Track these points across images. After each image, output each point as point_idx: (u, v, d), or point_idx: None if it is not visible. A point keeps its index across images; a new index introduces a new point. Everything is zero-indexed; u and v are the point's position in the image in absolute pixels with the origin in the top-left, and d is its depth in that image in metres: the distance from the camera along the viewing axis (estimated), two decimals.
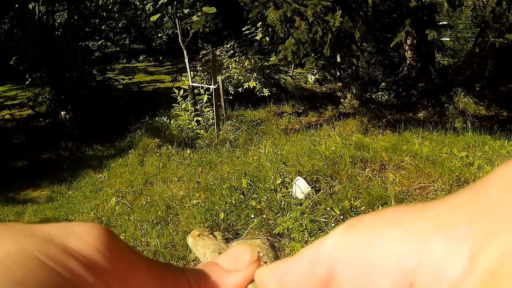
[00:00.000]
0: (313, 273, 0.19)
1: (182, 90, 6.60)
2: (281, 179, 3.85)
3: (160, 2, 5.94)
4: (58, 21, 10.33)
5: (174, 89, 6.73)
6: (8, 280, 0.15)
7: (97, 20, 15.33)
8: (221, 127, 6.32)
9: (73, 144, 8.04)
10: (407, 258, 0.16)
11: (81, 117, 8.98)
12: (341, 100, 7.85)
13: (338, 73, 8.90)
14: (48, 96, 9.80)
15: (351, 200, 3.43)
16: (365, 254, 0.17)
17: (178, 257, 3.38)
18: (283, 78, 9.53)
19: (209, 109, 6.63)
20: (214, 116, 6.23)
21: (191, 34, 6.74)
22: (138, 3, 6.77)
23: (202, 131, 6.36)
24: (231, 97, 7.79)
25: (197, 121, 6.54)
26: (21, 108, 10.24)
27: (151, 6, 6.11)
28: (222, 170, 4.71)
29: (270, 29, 6.96)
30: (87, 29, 14.45)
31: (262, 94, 7.77)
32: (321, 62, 7.96)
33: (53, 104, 9.40)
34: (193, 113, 6.60)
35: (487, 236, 0.15)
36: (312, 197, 3.58)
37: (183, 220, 3.95)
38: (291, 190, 3.71)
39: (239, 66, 8.44)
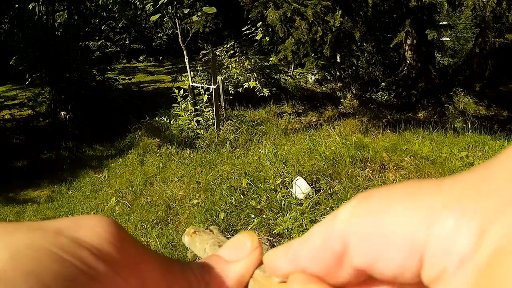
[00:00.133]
0: (327, 247, 0.19)
1: (182, 90, 6.60)
2: (281, 179, 3.85)
3: (160, 2, 5.94)
4: (58, 21, 10.33)
5: (174, 89, 6.73)
6: (22, 273, 0.15)
7: (97, 20, 15.34)
8: (221, 127, 6.32)
9: (73, 144, 8.04)
10: (419, 231, 0.16)
11: (81, 117, 8.98)
12: (341, 100, 7.85)
13: (338, 73, 8.90)
14: (48, 96, 9.80)
15: None
16: (378, 226, 0.17)
17: (178, 257, 3.37)
18: (283, 78, 9.53)
19: (209, 109, 6.63)
20: (214, 116, 6.23)
21: (191, 34, 6.73)
22: (138, 3, 6.77)
23: (202, 131, 6.35)
24: (231, 97, 7.79)
25: (197, 121, 6.54)
26: (21, 108, 10.25)
27: (151, 6, 6.11)
28: (222, 170, 4.71)
29: (270, 29, 6.97)
30: (87, 29, 14.46)
31: (262, 94, 7.77)
32: (321, 62, 7.96)
33: (53, 104, 9.40)
34: (193, 113, 6.60)
35: (496, 214, 0.15)
36: (312, 197, 3.58)
37: (183, 220, 3.95)
38: (291, 190, 3.71)
39: (239, 66, 8.44)
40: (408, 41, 7.81)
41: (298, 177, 3.79)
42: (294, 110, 7.92)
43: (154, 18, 6.31)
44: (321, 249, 0.19)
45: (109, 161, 6.89)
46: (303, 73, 10.37)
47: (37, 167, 7.23)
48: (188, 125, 6.57)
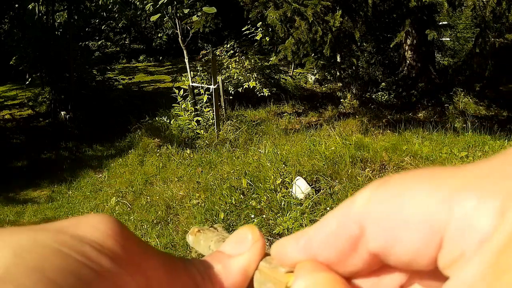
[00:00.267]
0: (343, 231, 0.19)
1: (182, 90, 6.60)
2: (281, 179, 3.85)
3: (160, 2, 5.94)
4: (58, 21, 10.33)
5: (174, 89, 6.73)
6: (25, 269, 0.15)
7: (97, 20, 15.33)
8: (221, 127, 6.32)
9: (73, 144, 8.04)
10: (439, 212, 0.16)
11: (81, 117, 8.98)
12: (341, 100, 7.85)
13: (338, 73, 8.89)
14: (48, 96, 9.80)
15: None
16: (397, 209, 0.17)
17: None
18: (283, 78, 9.53)
19: (209, 109, 6.63)
20: (214, 116, 6.23)
21: (191, 34, 6.73)
22: (138, 3, 6.77)
23: (202, 131, 6.36)
24: (231, 97, 7.79)
25: (197, 121, 6.54)
26: (21, 108, 10.25)
27: (151, 6, 6.11)
28: (222, 170, 4.71)
29: (270, 29, 6.96)
30: (87, 29, 14.45)
31: (262, 94, 7.77)
32: (321, 62, 7.95)
33: (53, 104, 9.40)
34: (193, 113, 6.60)
35: None
36: (312, 197, 3.58)
37: (183, 220, 3.95)
38: (291, 190, 3.71)
39: (239, 66, 8.44)
40: (408, 41, 7.81)
41: (298, 177, 3.79)
42: (294, 110, 7.92)
43: (154, 18, 6.31)
44: (337, 233, 0.19)
45: (109, 161, 6.89)
46: (303, 73, 10.37)
47: (37, 167, 7.23)
48: (188, 125, 6.57)
